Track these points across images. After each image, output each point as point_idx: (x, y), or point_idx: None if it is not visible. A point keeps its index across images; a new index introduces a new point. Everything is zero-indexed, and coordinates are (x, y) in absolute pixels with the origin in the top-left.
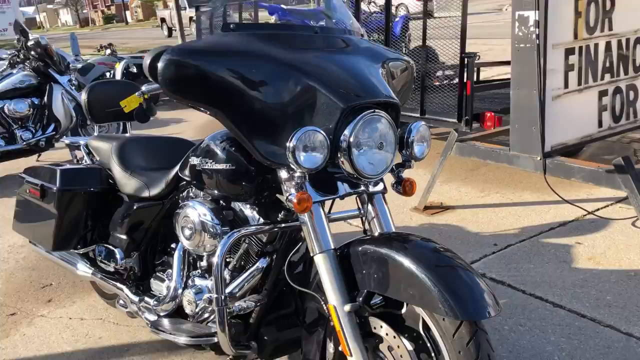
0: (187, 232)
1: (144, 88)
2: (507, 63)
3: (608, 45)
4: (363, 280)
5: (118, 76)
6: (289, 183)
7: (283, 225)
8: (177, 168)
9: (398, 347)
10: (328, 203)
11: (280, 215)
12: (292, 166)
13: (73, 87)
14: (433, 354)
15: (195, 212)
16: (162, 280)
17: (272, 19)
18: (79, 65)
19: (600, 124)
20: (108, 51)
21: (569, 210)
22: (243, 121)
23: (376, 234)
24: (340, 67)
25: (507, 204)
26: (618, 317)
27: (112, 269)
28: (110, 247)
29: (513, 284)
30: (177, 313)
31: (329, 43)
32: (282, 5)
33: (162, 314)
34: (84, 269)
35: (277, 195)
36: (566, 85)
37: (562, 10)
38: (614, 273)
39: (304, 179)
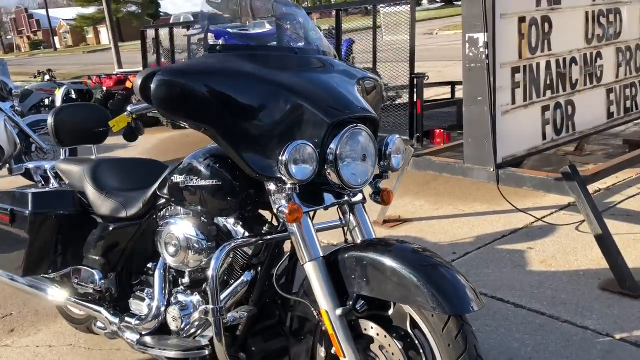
0: (172, 249)
1: (130, 108)
2: (449, 84)
3: (548, 64)
4: (352, 285)
5: (58, 102)
6: (279, 195)
7: (272, 236)
8: (154, 187)
9: (389, 345)
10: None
11: (264, 228)
12: (284, 178)
13: (16, 114)
14: (421, 351)
15: (180, 228)
16: (143, 300)
17: (220, 42)
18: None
19: (544, 137)
20: (47, 77)
21: (518, 218)
22: (233, 137)
23: (359, 241)
24: (322, 85)
25: (460, 215)
26: (573, 312)
27: (89, 291)
28: (88, 268)
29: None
30: (159, 330)
31: (308, 63)
32: (229, 30)
33: (144, 332)
34: (55, 293)
35: (260, 211)
36: (513, 102)
37: (508, 32)
38: (565, 274)
39: (294, 191)
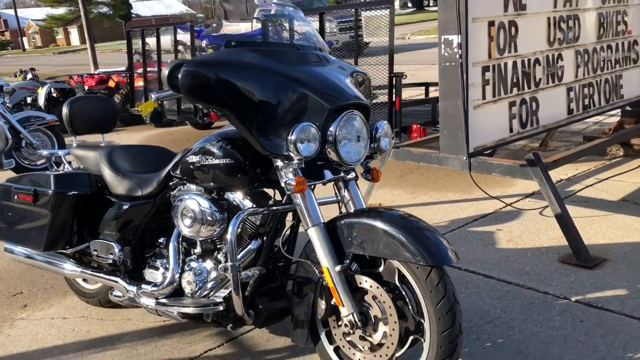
0: (188, 221)
1: (155, 95)
2: (423, 84)
3: (514, 64)
4: (348, 246)
5: (41, 101)
6: (286, 170)
7: (278, 207)
8: (167, 168)
9: (380, 295)
10: None
11: (270, 202)
12: (292, 155)
13: (6, 110)
14: (407, 299)
15: (195, 203)
16: (157, 269)
17: (203, 44)
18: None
19: (511, 130)
20: (29, 76)
21: (488, 205)
22: (247, 120)
23: (352, 211)
24: (322, 77)
25: (435, 203)
26: (536, 281)
27: (108, 263)
28: (107, 242)
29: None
30: (173, 295)
31: (308, 57)
32: (214, 33)
33: (160, 297)
34: (71, 267)
35: (264, 189)
36: (484, 97)
37: (479, 34)
38: (530, 250)
39: (299, 166)
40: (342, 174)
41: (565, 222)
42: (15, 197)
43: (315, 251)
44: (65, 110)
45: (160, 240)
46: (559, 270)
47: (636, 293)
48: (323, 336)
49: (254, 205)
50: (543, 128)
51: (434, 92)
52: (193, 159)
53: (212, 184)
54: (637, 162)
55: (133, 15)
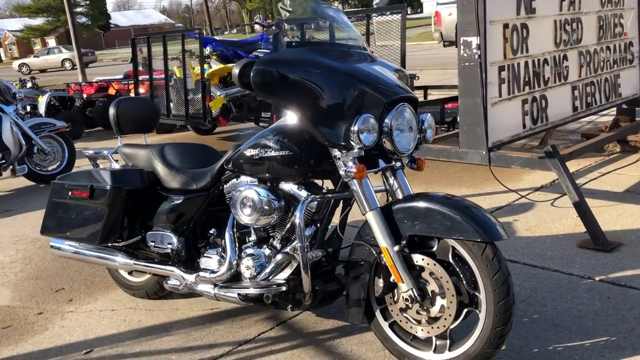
0: (248, 210)
1: (222, 92)
2: (421, 88)
3: (526, 64)
4: (404, 228)
5: (42, 109)
6: (345, 159)
7: (336, 194)
8: (220, 163)
9: (437, 271)
10: None
11: (323, 190)
12: (353, 144)
13: (19, 117)
14: (462, 275)
15: (255, 193)
16: (212, 257)
17: (207, 50)
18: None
19: (524, 126)
20: (29, 84)
21: (501, 198)
22: (311, 113)
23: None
24: (374, 73)
25: None
26: (559, 264)
27: (164, 253)
28: (164, 233)
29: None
30: (230, 281)
31: (358, 56)
32: (216, 37)
33: (218, 283)
34: (124, 260)
35: (314, 180)
36: (500, 95)
37: (495, 36)
38: (548, 238)
39: (359, 154)
40: (393, 163)
41: (583, 209)
42: (70, 194)
43: (373, 233)
44: (112, 110)
45: (211, 231)
46: (579, 254)
47: None
48: (378, 313)
49: (310, 194)
50: (552, 124)
51: (431, 96)
52: (251, 152)
53: (268, 175)
54: (635, 157)
55: (111, 25)
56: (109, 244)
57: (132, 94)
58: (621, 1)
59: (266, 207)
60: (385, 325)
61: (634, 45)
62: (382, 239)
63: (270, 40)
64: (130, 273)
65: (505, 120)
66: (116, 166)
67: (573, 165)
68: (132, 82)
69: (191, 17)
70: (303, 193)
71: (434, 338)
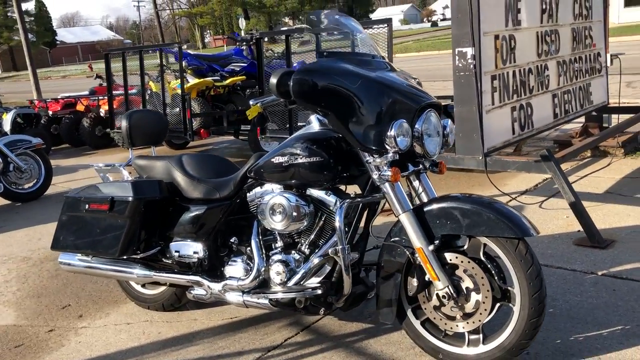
0: (279, 216)
1: (254, 101)
2: None
3: (514, 73)
4: (437, 228)
5: (7, 126)
6: (379, 162)
7: (365, 198)
8: (243, 171)
9: (472, 268)
10: None
11: (352, 194)
12: (388, 148)
13: None
14: (494, 272)
15: (285, 199)
16: (238, 265)
17: (184, 64)
18: None
19: (513, 132)
20: None
21: None
22: (347, 119)
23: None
24: (400, 81)
25: None
26: (561, 261)
27: (190, 263)
28: (191, 242)
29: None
30: (258, 288)
31: (381, 65)
32: (190, 52)
33: (247, 290)
34: (142, 272)
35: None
36: (493, 103)
37: (488, 47)
38: (544, 237)
39: (394, 158)
40: (420, 166)
41: (578, 209)
42: (87, 207)
43: (407, 234)
44: (124, 123)
45: (232, 240)
46: (578, 252)
47: None
48: (409, 313)
49: (340, 198)
50: (536, 130)
51: None
52: (279, 160)
53: (296, 181)
54: (606, 160)
55: (58, 42)
56: (125, 257)
57: (102, 110)
58: (590, 14)
59: (296, 213)
60: (417, 323)
61: (601, 55)
62: (416, 239)
63: (244, 54)
64: (143, 285)
65: (497, 126)
66: (128, 178)
67: (541, 175)
68: (102, 98)
69: (140, 33)
70: (332, 198)
71: (466, 333)
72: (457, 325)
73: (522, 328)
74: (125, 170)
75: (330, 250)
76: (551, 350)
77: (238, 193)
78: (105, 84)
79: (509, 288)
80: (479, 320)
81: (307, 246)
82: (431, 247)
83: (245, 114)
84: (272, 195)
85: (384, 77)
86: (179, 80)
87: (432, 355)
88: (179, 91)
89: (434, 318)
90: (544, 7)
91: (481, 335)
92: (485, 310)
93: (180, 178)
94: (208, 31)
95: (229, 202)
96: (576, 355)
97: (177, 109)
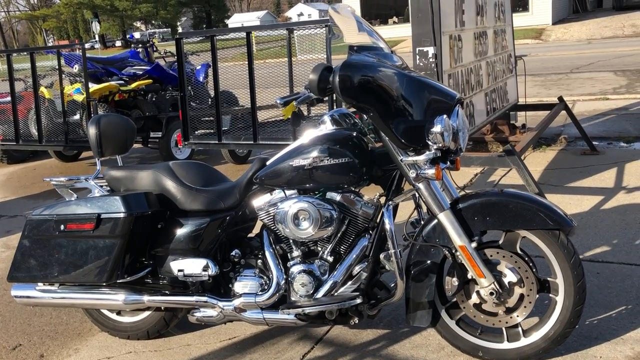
0: (305, 223)
1: (281, 100)
2: None
3: (462, 72)
4: (476, 224)
5: None
6: (419, 159)
7: (397, 197)
8: (248, 177)
9: (515, 262)
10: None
11: (376, 196)
12: (431, 144)
13: None
14: (530, 264)
15: (311, 205)
16: (250, 279)
17: (76, 69)
18: None
19: None
20: None
21: None
22: (389, 115)
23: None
24: (426, 79)
25: None
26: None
27: (200, 281)
28: (200, 259)
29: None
30: (278, 302)
31: (399, 62)
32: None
33: (264, 306)
34: (133, 297)
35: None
36: None
37: (445, 47)
38: None
39: (436, 155)
40: (448, 163)
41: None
42: (62, 228)
43: (447, 233)
44: (93, 130)
45: (233, 253)
46: None
47: (617, 246)
48: (443, 313)
49: (369, 200)
50: (477, 128)
51: None
52: (299, 162)
53: (314, 185)
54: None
55: None
56: (111, 282)
57: None
58: (503, 18)
59: (324, 219)
60: (452, 323)
61: (512, 57)
62: (457, 237)
63: (141, 57)
64: (118, 313)
65: None
66: (99, 193)
67: (473, 168)
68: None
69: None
70: (357, 202)
71: (504, 328)
72: (499, 321)
73: (567, 317)
74: (95, 184)
75: (382, 256)
76: (575, 337)
77: (242, 201)
78: None
79: (549, 279)
80: (523, 314)
81: (329, 254)
82: (474, 244)
83: (152, 121)
84: (292, 202)
85: (416, 75)
86: (74, 86)
87: (471, 354)
88: (76, 97)
89: (474, 316)
90: (477, 9)
91: (520, 329)
92: (530, 302)
93: (174, 188)
94: (51, 35)
95: (233, 212)
96: (600, 339)
97: (76, 117)
